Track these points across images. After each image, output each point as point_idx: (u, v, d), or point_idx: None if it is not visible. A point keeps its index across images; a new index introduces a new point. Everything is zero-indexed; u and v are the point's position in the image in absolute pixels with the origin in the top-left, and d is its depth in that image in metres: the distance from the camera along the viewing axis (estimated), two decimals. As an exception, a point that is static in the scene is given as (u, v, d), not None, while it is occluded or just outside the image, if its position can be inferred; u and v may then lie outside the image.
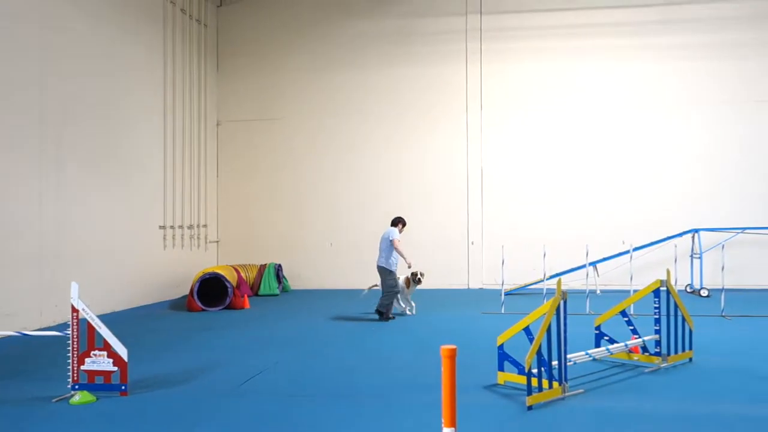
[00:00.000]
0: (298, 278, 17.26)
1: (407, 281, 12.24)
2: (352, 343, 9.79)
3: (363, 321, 11.83)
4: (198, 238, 16.65)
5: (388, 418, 6.03)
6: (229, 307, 13.52)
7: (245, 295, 14.10)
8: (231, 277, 14.35)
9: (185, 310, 13.43)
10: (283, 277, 16.80)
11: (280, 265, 16.64)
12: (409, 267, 11.79)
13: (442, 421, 3.02)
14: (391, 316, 11.79)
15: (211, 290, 13.79)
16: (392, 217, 12.34)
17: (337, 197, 17.39)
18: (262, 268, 16.21)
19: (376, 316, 11.84)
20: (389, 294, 11.74)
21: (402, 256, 11.71)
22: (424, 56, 17.06)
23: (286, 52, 17.63)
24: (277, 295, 15.92)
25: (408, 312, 12.36)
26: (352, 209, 17.29)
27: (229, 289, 13.53)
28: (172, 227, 15.40)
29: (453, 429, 3.02)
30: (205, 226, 16.99)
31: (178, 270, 15.54)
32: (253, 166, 17.77)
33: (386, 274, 11.76)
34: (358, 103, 17.34)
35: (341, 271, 17.19)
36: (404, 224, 12.24)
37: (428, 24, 17.05)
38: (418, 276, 12.11)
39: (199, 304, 13.35)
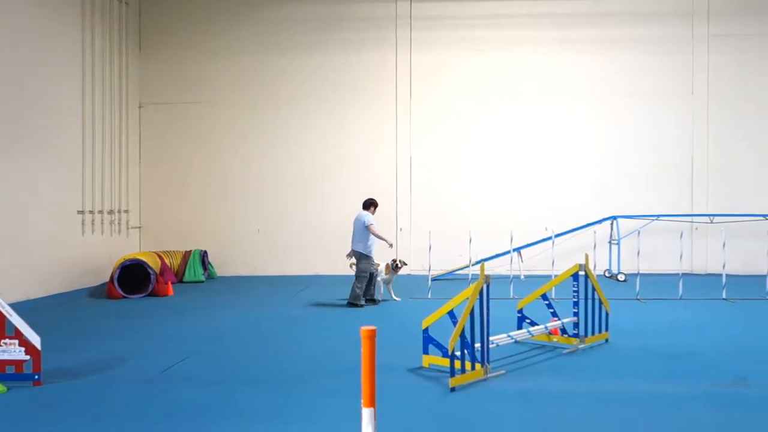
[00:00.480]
0: (225, 265, 16.96)
1: (387, 268, 12.15)
2: (278, 329, 9.71)
3: (289, 307, 11.75)
4: (119, 223, 16.10)
5: (312, 402, 6.02)
6: (152, 294, 13.16)
7: (169, 282, 13.76)
8: (154, 264, 13.97)
9: (105, 297, 12.98)
10: (209, 263, 16.48)
11: (205, 252, 16.31)
12: (390, 246, 11.79)
13: (362, 401, 3.04)
14: (360, 303, 11.55)
15: (133, 277, 13.38)
16: (358, 200, 12.25)
17: (265, 183, 17.14)
18: (187, 254, 15.85)
19: (346, 303, 11.72)
20: (360, 278, 11.54)
21: (381, 238, 11.60)
22: (353, 43, 16.96)
23: (213, 34, 17.19)
24: (202, 281, 15.61)
25: (395, 298, 12.25)
26: (280, 195, 17.09)
27: (152, 276, 13.17)
28: (91, 212, 14.84)
29: (372, 409, 3.03)
30: (126, 211, 16.45)
31: (97, 256, 15.01)
32: (177, 150, 17.30)
33: (363, 258, 11.56)
34: (286, 88, 17.10)
35: (270, 257, 17.00)
36: (376, 206, 11.98)
37: (358, 9, 16.95)
38: (398, 263, 12.06)
39: (120, 291, 12.95)
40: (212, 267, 16.60)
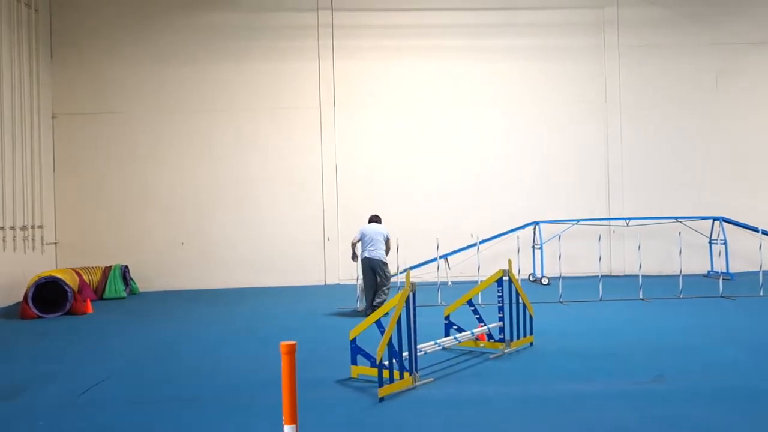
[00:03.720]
0: (148, 280, 16.41)
1: None
2: (201, 345, 9.44)
3: (214, 322, 11.48)
4: (33, 239, 15.37)
5: (235, 419, 5.88)
6: (70, 313, 12.62)
7: (88, 300, 13.22)
8: (71, 281, 13.40)
9: (19, 318, 12.33)
10: (131, 279, 15.94)
11: (126, 267, 15.76)
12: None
13: (283, 419, 2.97)
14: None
15: (49, 295, 12.78)
16: (368, 215, 12.54)
17: (188, 194, 16.72)
18: (107, 270, 15.28)
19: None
20: (389, 285, 11.79)
21: (387, 252, 11.91)
22: (275, 51, 16.80)
23: (129, 41, 16.69)
24: (124, 298, 15.07)
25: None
26: (204, 206, 16.70)
27: (69, 294, 12.63)
28: (1, 228, 14.11)
29: (294, 426, 2.97)
30: (40, 226, 15.72)
31: (10, 275, 14.22)
32: (94, 162, 16.67)
33: (385, 266, 11.74)
34: (206, 97, 16.75)
35: (195, 271, 16.57)
36: None
37: (279, 18, 16.82)
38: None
39: (35, 310, 12.35)
40: (134, 282, 16.06)
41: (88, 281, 14.61)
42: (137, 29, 16.71)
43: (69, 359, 8.65)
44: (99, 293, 14.95)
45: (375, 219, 12.25)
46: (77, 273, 14.34)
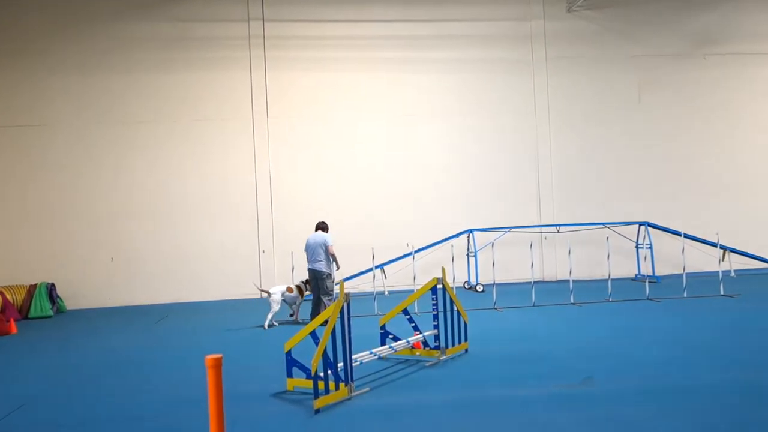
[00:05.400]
0: (76, 297, 15.88)
1: (300, 290, 12.05)
2: (129, 364, 9.14)
3: (142, 339, 11.17)
4: (-50, 258, 14.67)
5: (169, 437, 5.73)
6: (-9, 334, 12.09)
7: (11, 319, 12.68)
8: (-8, 301, 12.84)
9: (-66, 341, 11.74)
10: (58, 296, 15.37)
11: (53, 284, 15.19)
12: (338, 269, 11.81)
13: (210, 434, 2.91)
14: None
15: (-32, 317, 12.22)
16: (318, 221, 12.15)
17: (116, 208, 16.26)
18: (32, 288, 14.70)
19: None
20: (331, 298, 11.41)
21: (335, 261, 11.62)
22: (206, 62, 16.58)
23: (53, 51, 16.16)
24: (50, 317, 14.53)
25: (296, 318, 12.18)
26: (133, 221, 16.27)
27: (-10, 314, 12.08)
28: None
29: (221, 441, 2.92)
30: (-41, 244, 15.02)
31: (-75, 296, 13.54)
32: (15, 176, 16.03)
33: (327, 278, 11.48)
34: (135, 108, 16.38)
35: (125, 287, 16.13)
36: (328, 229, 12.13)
37: (210, 29, 16.61)
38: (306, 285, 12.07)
39: (-48, 333, 11.77)
40: (61, 300, 15.50)
41: (11, 300, 14.04)
42: (61, 38, 16.21)
43: (-11, 382, 8.25)
44: (24, 312, 14.39)
45: (320, 226, 12.00)
46: (0, 292, 13.74)
